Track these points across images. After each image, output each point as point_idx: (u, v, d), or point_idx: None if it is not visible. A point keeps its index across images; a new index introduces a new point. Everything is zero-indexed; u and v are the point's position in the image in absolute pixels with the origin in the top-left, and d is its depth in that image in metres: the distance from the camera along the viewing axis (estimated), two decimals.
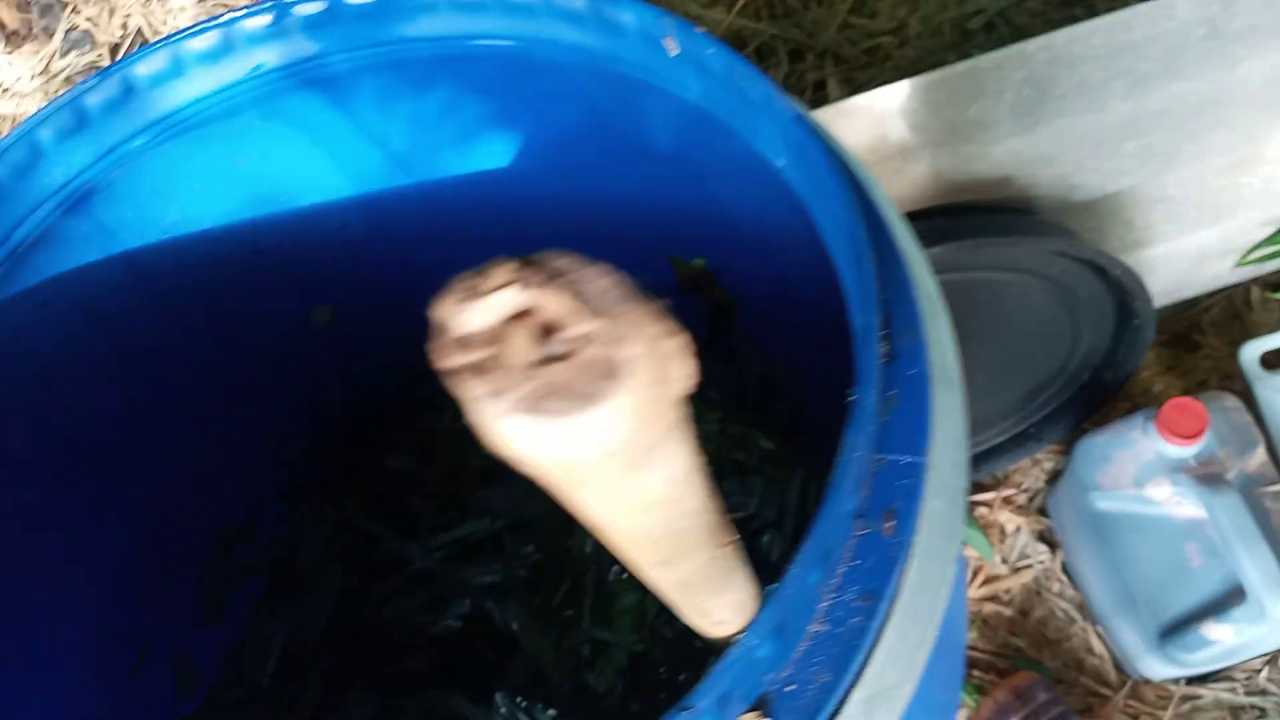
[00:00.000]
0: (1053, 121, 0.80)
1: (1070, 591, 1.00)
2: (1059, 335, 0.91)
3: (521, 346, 0.21)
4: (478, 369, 0.21)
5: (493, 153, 0.63)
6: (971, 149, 0.79)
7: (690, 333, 0.79)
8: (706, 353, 0.80)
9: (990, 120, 0.79)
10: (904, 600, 0.33)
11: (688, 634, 0.79)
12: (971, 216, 0.82)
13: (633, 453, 0.21)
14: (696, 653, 0.75)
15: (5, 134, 0.46)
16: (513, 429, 0.20)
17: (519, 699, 0.73)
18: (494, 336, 0.21)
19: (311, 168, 0.61)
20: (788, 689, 0.32)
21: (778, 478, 0.81)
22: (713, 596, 0.30)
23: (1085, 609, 0.99)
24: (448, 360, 0.21)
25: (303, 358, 0.73)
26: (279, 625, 0.76)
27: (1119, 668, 0.96)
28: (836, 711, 0.32)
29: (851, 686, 0.32)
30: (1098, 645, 0.98)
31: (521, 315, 0.21)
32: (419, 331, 0.79)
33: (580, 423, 0.20)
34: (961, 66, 0.78)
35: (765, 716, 0.31)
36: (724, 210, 0.61)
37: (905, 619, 0.33)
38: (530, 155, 0.63)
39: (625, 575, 0.79)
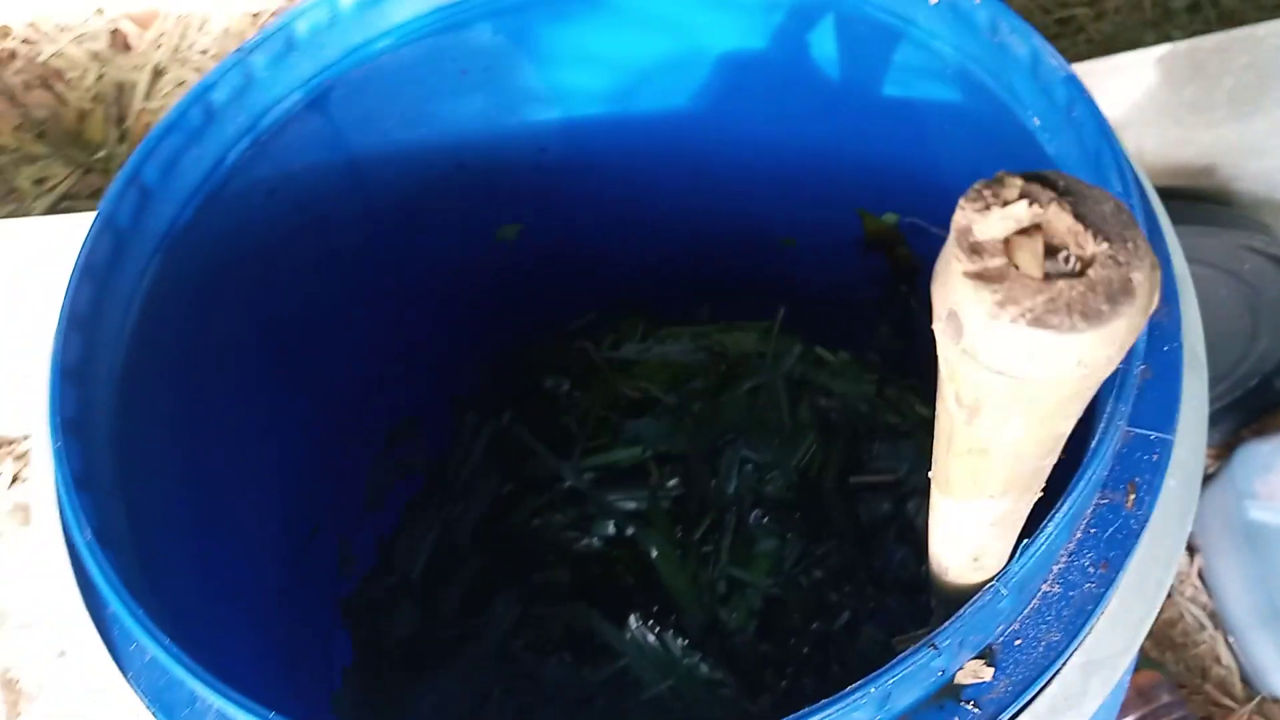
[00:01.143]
0: (1270, 112, 0.76)
1: (1203, 598, 0.98)
2: (1236, 335, 0.88)
3: (1030, 260, 0.22)
4: (987, 277, 0.22)
5: (701, 92, 0.64)
6: (1179, 132, 0.76)
7: (866, 290, 0.78)
8: (879, 314, 0.80)
9: (1205, 104, 0.75)
10: (1132, 573, 0.33)
11: (824, 584, 0.80)
12: (1167, 202, 0.79)
13: (1095, 378, 0.22)
14: (830, 605, 0.77)
15: (267, 25, 0.48)
16: (1016, 337, 0.21)
17: (652, 624, 0.76)
18: (1004, 247, 0.22)
19: (526, 87, 0.62)
20: (1015, 643, 0.33)
21: (930, 446, 0.81)
22: (1001, 539, 0.30)
23: (1217, 617, 0.97)
24: (961, 264, 0.22)
25: (485, 273, 0.75)
26: (432, 523, 0.80)
27: (1246, 681, 0.94)
28: (1057, 673, 0.32)
29: (1074, 650, 0.32)
30: (1226, 656, 0.96)
31: (1030, 230, 0.22)
32: (591, 260, 0.81)
33: (1080, 340, 0.21)
34: (1181, 45, 0.74)
35: (989, 665, 0.32)
36: (932, 168, 0.60)
37: (1131, 592, 0.33)
38: (740, 98, 0.63)
39: (765, 520, 0.80)
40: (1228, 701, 0.95)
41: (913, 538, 0.78)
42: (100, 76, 1.21)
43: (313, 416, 0.69)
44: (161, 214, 0.46)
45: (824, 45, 0.54)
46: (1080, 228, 0.22)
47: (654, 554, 0.77)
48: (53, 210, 1.09)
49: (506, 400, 0.85)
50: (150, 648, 0.33)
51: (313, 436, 0.69)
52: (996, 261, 0.22)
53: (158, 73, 1.20)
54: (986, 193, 0.23)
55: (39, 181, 1.12)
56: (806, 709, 0.31)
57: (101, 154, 1.17)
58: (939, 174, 0.60)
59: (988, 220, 0.23)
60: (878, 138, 0.61)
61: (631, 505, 0.79)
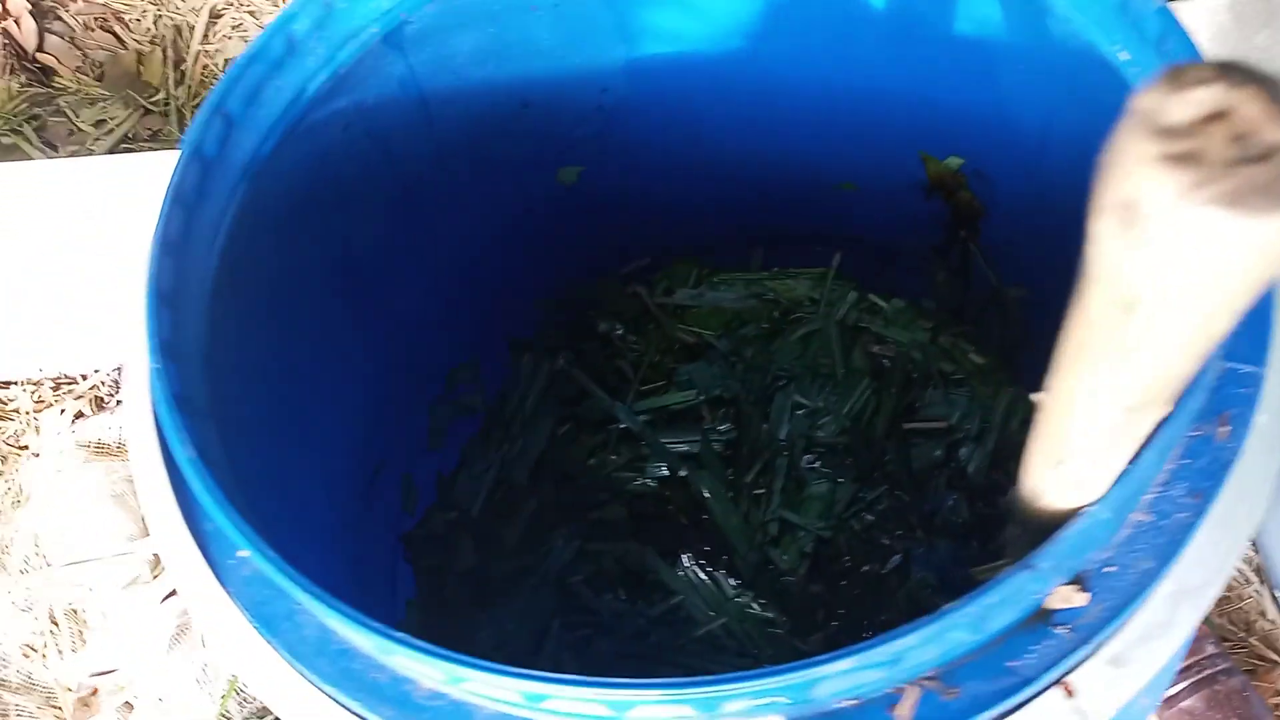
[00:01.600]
0: None
1: (1251, 552, 0.98)
2: None
3: (1219, 144, 0.22)
4: (1175, 159, 0.22)
5: (766, 32, 0.63)
6: None
7: (924, 236, 0.78)
8: (937, 259, 0.80)
9: (1277, 51, 0.74)
10: (1221, 506, 0.33)
11: (876, 527, 0.81)
12: None
13: (1272, 270, 0.23)
14: (881, 548, 0.77)
15: None
16: (1206, 220, 0.21)
17: (704, 563, 0.77)
18: (1193, 131, 0.22)
19: (592, 23, 0.62)
20: (1106, 569, 0.33)
21: (983, 394, 0.81)
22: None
23: (1264, 572, 0.97)
24: (1146, 147, 0.22)
25: (545, 215, 0.76)
26: (490, 461, 0.81)
27: None
28: (1147, 600, 0.32)
29: (1165, 579, 0.33)
30: (1271, 610, 0.96)
31: (1219, 116, 0.22)
32: (647, 204, 0.81)
33: (1271, 225, 0.21)
34: None
35: (1083, 590, 0.32)
36: (1001, 111, 0.60)
37: (1220, 524, 0.33)
38: (805, 37, 0.63)
39: (817, 464, 0.81)
40: (1272, 655, 0.95)
41: (963, 484, 0.78)
42: (158, 18, 1.22)
43: (381, 352, 0.70)
44: (245, 144, 0.46)
45: None
46: (1272, 113, 0.22)
47: (706, 495, 0.78)
48: (114, 150, 1.10)
49: (562, 342, 0.85)
50: (257, 560, 0.34)
51: (380, 372, 0.70)
52: (1185, 145, 0.22)
53: (214, 16, 1.20)
54: (1173, 77, 0.23)
55: (99, 123, 1.13)
56: (907, 624, 0.31)
57: (160, 95, 1.18)
58: (1008, 117, 0.60)
59: (1177, 103, 0.22)
60: (945, 78, 0.61)
61: (684, 447, 0.80)
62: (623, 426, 0.81)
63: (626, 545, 0.76)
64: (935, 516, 0.77)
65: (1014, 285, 0.72)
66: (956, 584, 0.77)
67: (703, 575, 0.76)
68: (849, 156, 0.72)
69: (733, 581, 0.77)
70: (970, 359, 0.82)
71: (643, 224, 0.82)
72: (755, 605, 0.75)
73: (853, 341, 0.84)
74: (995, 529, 0.80)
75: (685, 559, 0.77)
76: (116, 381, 1.04)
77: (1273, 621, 0.98)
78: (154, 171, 0.96)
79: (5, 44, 1.19)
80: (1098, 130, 0.53)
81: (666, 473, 0.80)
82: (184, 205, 0.43)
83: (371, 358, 0.67)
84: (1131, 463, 0.31)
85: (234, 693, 0.87)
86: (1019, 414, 0.80)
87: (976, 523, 0.77)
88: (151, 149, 1.16)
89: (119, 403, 1.06)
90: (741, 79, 0.67)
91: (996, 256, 0.72)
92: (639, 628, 0.74)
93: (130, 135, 1.17)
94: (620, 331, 0.86)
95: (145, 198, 0.43)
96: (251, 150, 0.46)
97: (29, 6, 1.21)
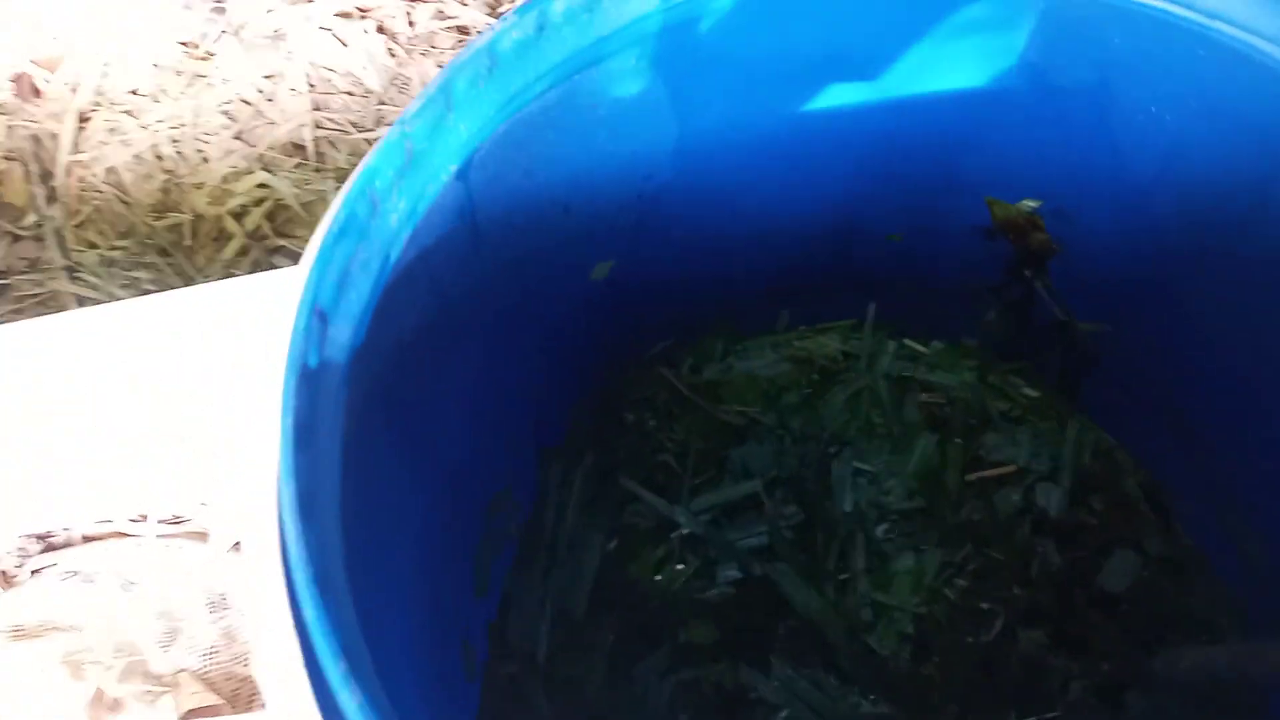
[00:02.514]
0: None
1: None
2: None
3: None
4: None
5: (835, 90, 0.57)
6: None
7: (975, 277, 0.73)
8: (989, 298, 0.76)
9: None
10: None
11: (971, 593, 0.76)
12: None
13: None
14: (981, 613, 0.73)
15: (424, 87, 0.39)
16: None
17: (800, 666, 0.70)
18: None
19: (651, 108, 0.54)
20: None
21: (1045, 429, 0.78)
22: None
23: None
24: None
25: (574, 315, 0.67)
26: (538, 592, 0.72)
27: None
28: None
29: None
30: None
31: None
32: (675, 285, 0.73)
33: None
34: None
35: None
36: (1101, 145, 0.55)
37: None
38: (881, 92, 0.57)
39: (894, 535, 0.76)
40: None
41: (1048, 528, 0.74)
42: (10, 129, 1.06)
43: (429, 498, 0.60)
44: (339, 339, 0.37)
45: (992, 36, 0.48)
46: None
47: (788, 590, 0.72)
48: None
49: (591, 443, 0.77)
50: None
51: (431, 524, 0.61)
52: None
53: (83, 119, 1.05)
54: None
55: None
56: None
57: (30, 219, 1.02)
58: (1113, 151, 0.56)
59: None
60: (1039, 126, 0.56)
61: (753, 541, 0.73)
62: (684, 531, 0.73)
63: (720, 666, 0.69)
64: (1027, 568, 0.73)
65: (1088, 320, 0.69)
66: (1067, 637, 0.73)
67: (802, 680, 0.70)
68: (903, 209, 0.67)
69: (834, 680, 0.70)
70: (1024, 393, 0.78)
71: (669, 306, 0.74)
72: (865, 701, 0.69)
73: (901, 395, 0.79)
74: (1091, 573, 0.77)
75: (779, 665, 0.70)
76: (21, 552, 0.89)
77: None
78: (54, 336, 0.82)
79: None
80: (1239, 146, 0.49)
81: (740, 574, 0.73)
82: (303, 428, 0.33)
83: (422, 508, 0.57)
84: None
85: None
86: (1088, 445, 0.77)
87: (1070, 567, 0.73)
88: (32, 285, 1.00)
89: (32, 573, 0.91)
90: (791, 137, 0.61)
91: (1068, 291, 0.68)
92: None
93: (2, 270, 1.01)
94: (654, 422, 0.78)
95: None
96: (348, 346, 0.37)
97: None
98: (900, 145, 0.61)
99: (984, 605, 0.72)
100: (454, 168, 0.41)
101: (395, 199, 0.39)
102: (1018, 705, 0.69)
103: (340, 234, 0.36)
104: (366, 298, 0.38)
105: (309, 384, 0.34)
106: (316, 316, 0.35)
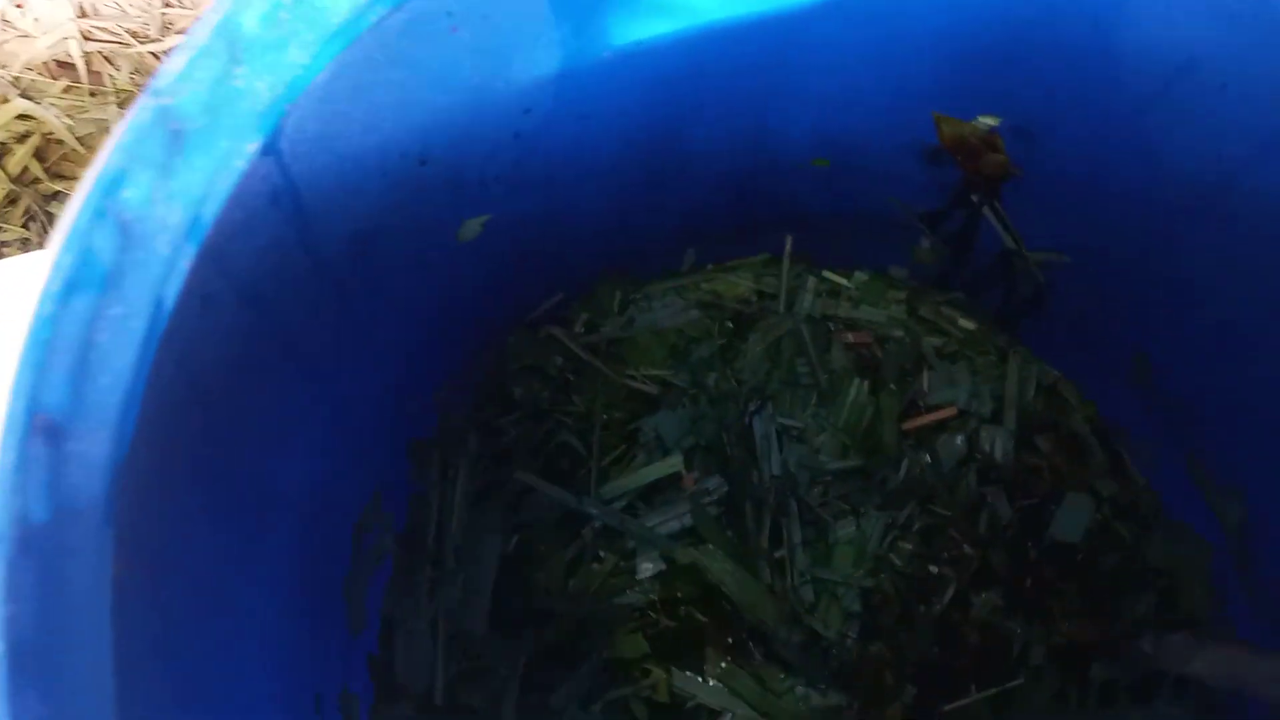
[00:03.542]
0: None
1: None
2: None
3: None
4: None
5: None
6: None
7: (910, 203, 0.63)
8: (924, 226, 0.66)
9: None
10: None
11: (918, 558, 0.69)
12: None
13: None
14: (931, 580, 0.65)
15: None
16: None
17: (737, 662, 0.62)
18: None
19: (528, 31, 0.40)
20: None
21: (984, 365, 0.69)
22: None
23: None
24: None
25: (439, 285, 0.54)
26: (426, 614, 0.60)
27: None
28: None
29: None
30: None
31: None
32: (566, 235, 0.60)
33: None
34: None
35: None
36: (1091, 54, 0.45)
37: None
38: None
39: (830, 497, 0.67)
40: None
41: (995, 476, 0.67)
42: None
43: (276, 558, 0.47)
44: (91, 456, 0.23)
45: None
46: None
47: (719, 577, 0.62)
48: None
49: (469, 427, 0.64)
50: None
51: (281, 583, 0.48)
52: None
53: None
54: None
55: None
56: None
57: None
58: (1098, 64, 0.45)
59: None
60: (1013, 26, 0.45)
61: (675, 525, 0.63)
62: (597, 525, 0.62)
63: (650, 679, 0.60)
64: (977, 524, 0.66)
65: (1042, 251, 0.60)
66: (1024, 598, 0.67)
67: (743, 678, 0.61)
68: (833, 128, 0.55)
69: (779, 673, 0.62)
70: (959, 327, 0.70)
71: (556, 259, 0.61)
72: (814, 692, 0.61)
73: (826, 338, 0.69)
74: (1043, 525, 0.71)
75: (716, 665, 0.61)
76: None
77: None
78: None
79: None
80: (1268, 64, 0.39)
81: (664, 565, 0.63)
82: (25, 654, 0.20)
83: (263, 574, 0.45)
84: None
85: None
86: (1031, 380, 0.69)
87: (1021, 520, 0.66)
88: None
89: None
90: (695, 48, 0.48)
91: (1023, 220, 0.58)
92: None
93: None
94: (547, 395, 0.66)
95: None
96: (105, 462, 0.23)
97: None
98: (822, 50, 0.49)
99: (933, 570, 0.65)
100: (254, 144, 0.27)
101: (162, 210, 0.25)
102: (977, 678, 0.63)
103: (68, 291, 0.22)
104: (130, 373, 0.24)
105: (35, 563, 0.20)
106: (40, 435, 0.21)
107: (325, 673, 0.52)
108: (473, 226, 0.51)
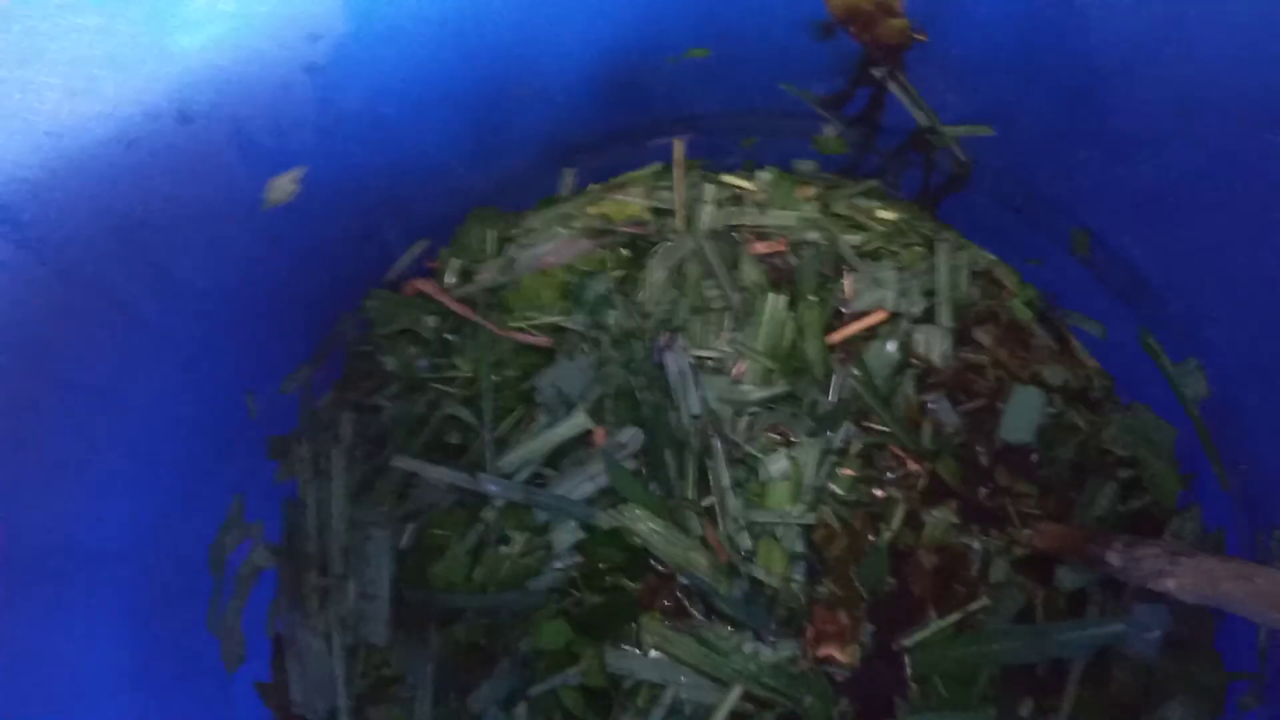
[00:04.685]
0: None
1: None
2: None
3: None
4: None
5: None
6: None
7: (806, 86, 0.55)
8: (826, 111, 0.57)
9: None
10: None
11: (861, 483, 0.62)
12: None
13: None
14: (878, 505, 0.59)
15: None
16: None
17: (677, 626, 0.56)
18: None
19: None
20: None
21: (911, 258, 0.62)
22: None
23: None
24: None
25: (254, 255, 0.45)
26: (319, 628, 0.53)
27: None
28: None
29: None
30: None
31: None
32: (409, 171, 0.51)
33: None
34: None
35: None
36: None
37: None
38: None
39: (758, 433, 0.60)
40: None
41: (935, 380, 0.61)
42: None
43: (121, 608, 0.39)
44: None
45: None
46: None
47: (645, 537, 0.55)
48: None
49: (338, 410, 0.56)
50: None
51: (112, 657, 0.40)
52: None
53: None
54: None
55: None
56: None
57: None
58: None
59: None
60: None
61: (590, 487, 0.56)
62: (499, 503, 0.55)
63: (580, 666, 0.53)
64: (918, 436, 0.60)
65: (962, 124, 0.52)
66: (980, 510, 0.61)
67: (684, 642, 0.55)
68: (706, 9, 0.47)
69: (723, 630, 0.56)
70: (879, 219, 0.62)
71: (410, 203, 0.52)
72: (763, 646, 0.56)
73: (733, 252, 0.62)
74: (991, 426, 0.64)
75: (653, 635, 0.55)
76: None
77: None
78: None
79: None
80: None
81: (582, 534, 0.56)
82: None
83: (97, 653, 0.37)
84: None
85: None
86: (964, 267, 0.62)
87: (968, 424, 0.60)
88: None
89: None
90: None
91: (934, 92, 0.50)
92: None
93: None
94: (424, 362, 0.58)
95: None
96: None
97: None
98: None
99: (878, 494, 0.59)
100: None
101: None
102: (939, 603, 0.57)
103: None
104: None
105: None
106: None
107: None
108: (283, 185, 0.42)
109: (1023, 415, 0.60)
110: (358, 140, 0.44)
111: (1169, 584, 0.43)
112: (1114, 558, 0.47)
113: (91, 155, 0.31)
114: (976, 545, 0.58)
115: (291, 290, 0.48)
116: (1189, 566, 0.42)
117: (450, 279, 0.58)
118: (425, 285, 0.57)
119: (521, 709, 0.51)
